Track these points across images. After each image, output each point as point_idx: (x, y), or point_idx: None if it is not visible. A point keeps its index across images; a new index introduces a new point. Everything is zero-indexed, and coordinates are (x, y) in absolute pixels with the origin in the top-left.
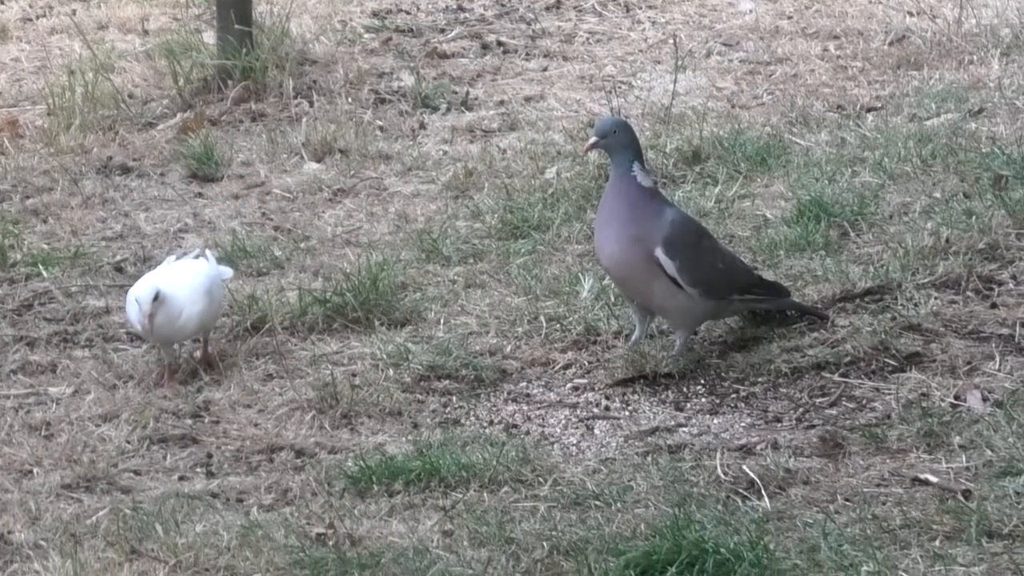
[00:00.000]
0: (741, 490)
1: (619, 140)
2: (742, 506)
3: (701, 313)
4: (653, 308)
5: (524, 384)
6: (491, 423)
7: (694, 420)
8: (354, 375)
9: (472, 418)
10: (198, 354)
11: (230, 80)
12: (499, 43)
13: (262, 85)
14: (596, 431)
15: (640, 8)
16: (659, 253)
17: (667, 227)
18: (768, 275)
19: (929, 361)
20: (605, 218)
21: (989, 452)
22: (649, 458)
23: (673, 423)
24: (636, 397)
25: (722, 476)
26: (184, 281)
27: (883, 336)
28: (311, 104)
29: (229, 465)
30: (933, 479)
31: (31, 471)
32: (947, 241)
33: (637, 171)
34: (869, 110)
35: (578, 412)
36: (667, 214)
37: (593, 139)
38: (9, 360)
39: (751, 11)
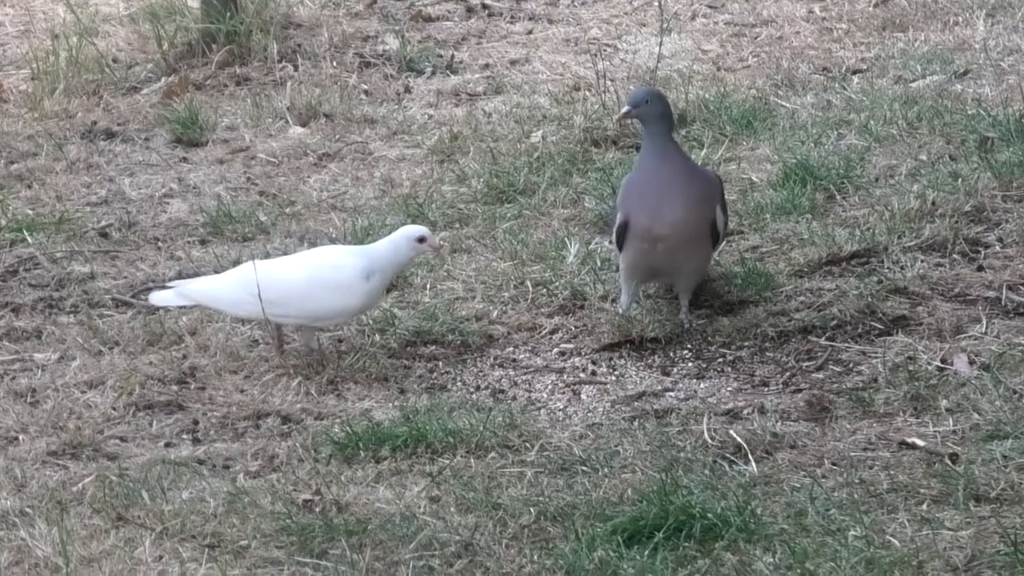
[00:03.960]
0: (728, 455)
1: (652, 110)
2: (729, 471)
3: (709, 263)
4: (680, 272)
5: (511, 349)
6: (478, 388)
7: (681, 385)
8: (340, 341)
9: (459, 384)
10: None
11: (214, 44)
12: (484, 6)
13: (246, 49)
14: (583, 396)
15: None
16: (718, 213)
17: (717, 184)
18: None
19: (916, 324)
20: (661, 186)
21: (976, 415)
22: (636, 423)
23: (660, 388)
24: (623, 362)
25: (709, 441)
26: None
27: (869, 299)
28: (296, 68)
29: (215, 431)
30: (920, 443)
31: (17, 438)
32: (933, 204)
33: (674, 136)
34: (854, 72)
35: (565, 377)
36: (709, 174)
37: (626, 108)
38: None
39: None
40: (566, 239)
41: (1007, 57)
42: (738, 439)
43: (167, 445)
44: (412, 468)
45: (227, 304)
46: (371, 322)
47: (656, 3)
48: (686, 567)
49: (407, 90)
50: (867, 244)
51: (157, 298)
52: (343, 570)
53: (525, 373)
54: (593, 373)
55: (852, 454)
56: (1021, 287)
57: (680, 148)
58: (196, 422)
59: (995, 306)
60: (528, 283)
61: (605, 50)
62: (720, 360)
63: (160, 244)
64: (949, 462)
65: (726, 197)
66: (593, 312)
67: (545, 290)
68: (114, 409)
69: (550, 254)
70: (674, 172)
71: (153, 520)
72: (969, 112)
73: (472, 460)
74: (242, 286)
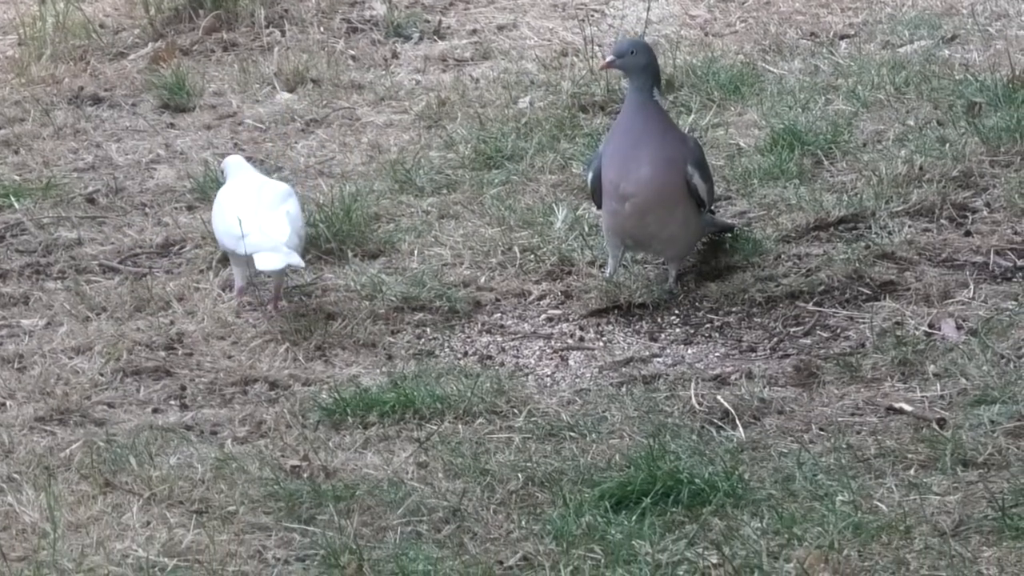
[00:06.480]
0: (716, 420)
1: (637, 61)
2: (716, 436)
3: (697, 235)
4: (656, 239)
5: (498, 315)
6: (465, 354)
7: (668, 350)
8: (328, 306)
9: (446, 349)
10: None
11: (201, 9)
12: None
13: (233, 14)
14: (570, 362)
15: None
16: (692, 174)
17: (694, 149)
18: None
19: (903, 289)
20: (631, 142)
21: (963, 380)
22: (624, 389)
23: (647, 353)
24: (610, 327)
25: (696, 406)
26: None
27: (857, 265)
28: (283, 33)
29: (203, 397)
30: (908, 408)
31: (4, 404)
32: (921, 169)
33: (657, 95)
34: (842, 37)
35: (552, 343)
36: (687, 137)
37: (610, 58)
38: None
39: None
40: (554, 205)
41: (994, 22)
42: (726, 404)
43: (155, 411)
44: (400, 434)
45: None
46: (359, 288)
47: None
48: (674, 532)
49: (394, 56)
50: (855, 209)
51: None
52: (331, 536)
53: (513, 339)
54: (581, 339)
55: (840, 419)
56: (1008, 252)
57: (660, 106)
58: (184, 388)
59: (983, 271)
60: (516, 249)
61: (593, 15)
62: (708, 326)
63: (147, 210)
64: (937, 427)
65: (710, 164)
66: (581, 278)
67: (533, 256)
68: (102, 375)
69: (538, 220)
70: (647, 130)
71: (141, 486)
72: (957, 77)
73: (460, 426)
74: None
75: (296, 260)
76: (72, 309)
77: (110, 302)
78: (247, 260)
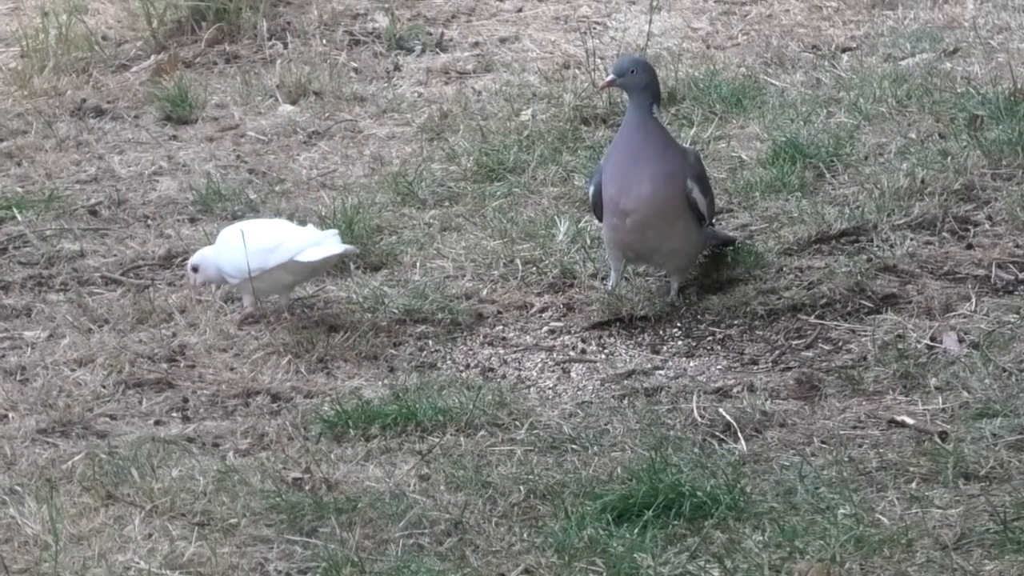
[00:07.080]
0: (717, 433)
1: (638, 80)
2: (718, 449)
3: (698, 248)
4: (658, 253)
5: (500, 327)
6: (467, 367)
7: (670, 363)
8: (330, 319)
9: (448, 362)
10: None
11: (204, 22)
12: None
13: (236, 26)
14: (572, 374)
15: None
16: (692, 188)
17: (694, 163)
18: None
19: (905, 302)
20: (630, 158)
21: (965, 394)
22: (626, 401)
23: (649, 366)
24: (612, 340)
25: (698, 419)
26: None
27: (859, 278)
28: (285, 46)
29: (205, 409)
30: (909, 421)
31: (6, 416)
32: (923, 182)
33: (656, 112)
34: (844, 50)
35: (554, 355)
36: (687, 151)
37: (611, 77)
38: None
39: None
40: (556, 217)
41: (996, 35)
42: (728, 417)
43: (157, 423)
44: (402, 446)
45: None
46: (361, 300)
47: None
48: (675, 545)
49: (397, 68)
50: (856, 222)
51: None
52: (333, 548)
53: (515, 351)
54: (583, 351)
55: (841, 432)
56: (1010, 265)
57: (660, 123)
58: (186, 400)
59: (984, 284)
60: (518, 261)
61: (595, 28)
62: (710, 338)
63: (150, 222)
64: (938, 440)
65: (711, 177)
66: (583, 290)
67: (535, 268)
68: (104, 387)
69: (540, 232)
70: (647, 146)
71: (143, 498)
72: (958, 90)
73: (462, 438)
74: None
75: (349, 246)
76: (74, 321)
77: (112, 314)
78: (285, 270)
